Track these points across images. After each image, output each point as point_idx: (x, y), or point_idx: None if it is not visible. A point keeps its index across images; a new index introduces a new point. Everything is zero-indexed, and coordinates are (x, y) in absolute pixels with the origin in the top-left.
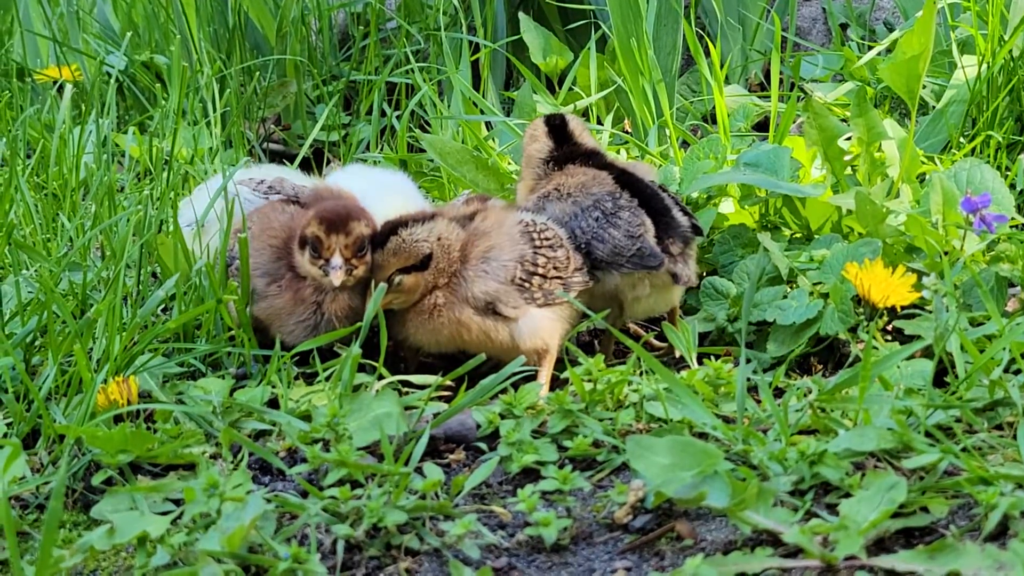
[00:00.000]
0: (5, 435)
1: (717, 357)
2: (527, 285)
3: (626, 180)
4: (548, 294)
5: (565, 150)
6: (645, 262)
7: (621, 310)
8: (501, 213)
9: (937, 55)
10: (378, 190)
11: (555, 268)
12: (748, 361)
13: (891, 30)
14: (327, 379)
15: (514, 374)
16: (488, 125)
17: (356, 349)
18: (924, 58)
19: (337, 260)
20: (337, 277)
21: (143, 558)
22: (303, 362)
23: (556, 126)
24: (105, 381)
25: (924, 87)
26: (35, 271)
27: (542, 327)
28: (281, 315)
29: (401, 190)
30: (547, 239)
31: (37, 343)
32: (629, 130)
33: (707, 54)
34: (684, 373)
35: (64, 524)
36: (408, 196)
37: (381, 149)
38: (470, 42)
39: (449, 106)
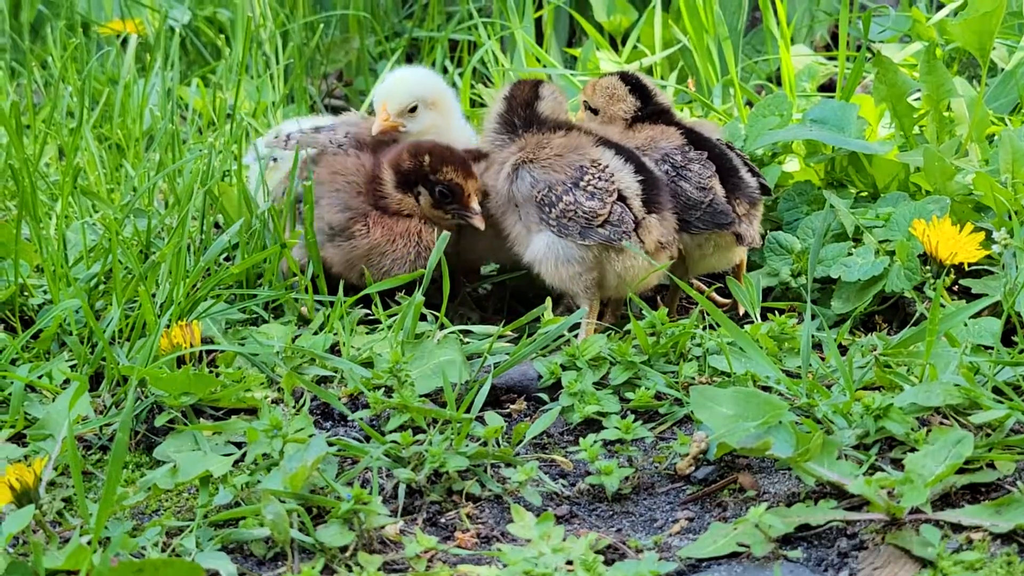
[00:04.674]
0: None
1: (781, 312)
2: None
3: (694, 138)
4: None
5: (649, 108)
6: (717, 219)
7: (686, 268)
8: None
9: (1007, 16)
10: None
11: None
12: (813, 317)
13: None
14: (389, 327)
15: (576, 325)
16: None
17: (419, 296)
18: (997, 15)
19: (477, 205)
20: (481, 221)
21: (206, 497)
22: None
23: (636, 84)
24: (168, 326)
25: (994, 48)
26: (100, 216)
27: None
28: (372, 254)
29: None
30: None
31: (101, 287)
32: (693, 88)
33: (774, 13)
34: (748, 327)
35: (127, 464)
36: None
37: None
38: None
39: (512, 62)
